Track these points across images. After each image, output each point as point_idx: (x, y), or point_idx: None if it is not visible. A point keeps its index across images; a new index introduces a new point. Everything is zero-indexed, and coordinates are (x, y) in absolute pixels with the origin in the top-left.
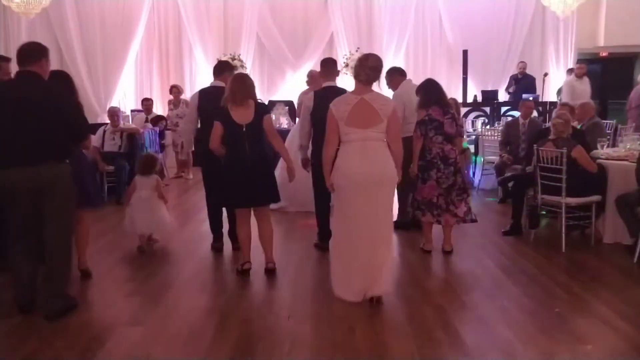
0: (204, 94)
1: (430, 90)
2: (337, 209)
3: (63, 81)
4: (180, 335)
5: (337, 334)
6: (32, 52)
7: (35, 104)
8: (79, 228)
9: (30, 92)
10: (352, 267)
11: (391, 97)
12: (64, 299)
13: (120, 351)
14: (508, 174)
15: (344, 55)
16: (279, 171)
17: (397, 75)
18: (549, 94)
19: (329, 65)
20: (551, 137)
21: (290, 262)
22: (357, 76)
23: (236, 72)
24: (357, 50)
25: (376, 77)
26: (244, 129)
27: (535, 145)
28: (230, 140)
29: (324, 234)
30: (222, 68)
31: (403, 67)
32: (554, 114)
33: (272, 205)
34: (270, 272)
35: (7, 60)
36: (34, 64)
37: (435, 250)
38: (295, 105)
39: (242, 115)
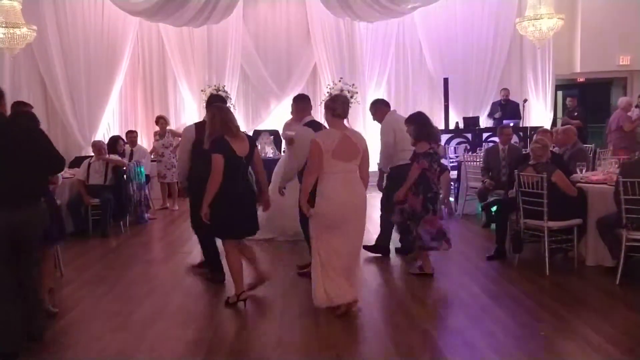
0: (200, 127)
1: (429, 124)
2: (321, 231)
3: (30, 120)
4: None
5: None
6: None
7: (17, 142)
8: (44, 266)
9: (8, 130)
10: (342, 273)
11: (381, 127)
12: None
13: None
14: (491, 199)
15: (327, 84)
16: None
17: (382, 107)
18: (530, 120)
19: (306, 100)
20: (531, 162)
21: (277, 291)
22: (334, 111)
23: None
24: (340, 80)
25: (348, 111)
26: (243, 161)
27: (516, 170)
28: (229, 173)
29: None
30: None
31: (385, 96)
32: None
33: (262, 236)
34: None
35: None
36: None
37: (418, 275)
38: (281, 135)
39: (241, 147)
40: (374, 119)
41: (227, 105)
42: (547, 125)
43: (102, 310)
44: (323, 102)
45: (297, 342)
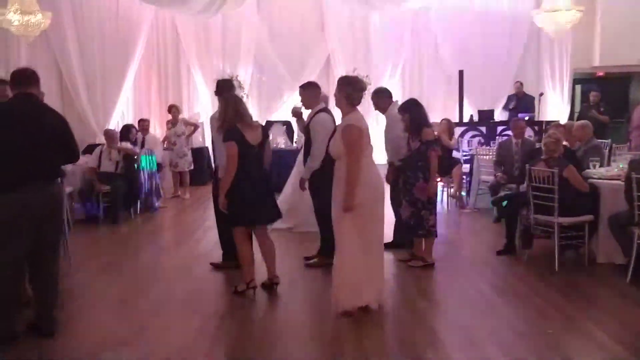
0: None
1: (424, 110)
2: (355, 224)
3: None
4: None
5: (326, 356)
6: (31, 76)
7: (40, 124)
8: None
9: (37, 113)
10: (369, 276)
11: (388, 119)
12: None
13: None
14: (501, 194)
15: (340, 75)
16: (289, 193)
17: (386, 97)
18: (546, 114)
19: (315, 87)
20: (543, 156)
21: (284, 283)
22: (352, 100)
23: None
24: (354, 71)
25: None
26: (256, 149)
27: (527, 164)
28: (244, 161)
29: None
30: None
31: (399, 88)
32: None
33: (280, 225)
34: (276, 285)
35: (5, 82)
36: (31, 86)
37: (423, 267)
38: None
39: (254, 136)
40: (376, 108)
41: (240, 93)
42: (564, 119)
43: (108, 298)
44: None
45: (300, 335)
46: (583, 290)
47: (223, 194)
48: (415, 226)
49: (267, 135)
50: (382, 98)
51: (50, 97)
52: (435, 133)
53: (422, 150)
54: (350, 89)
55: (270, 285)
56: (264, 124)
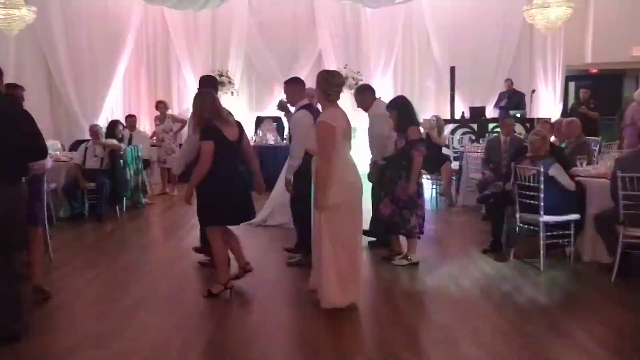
0: None
1: (412, 108)
2: (336, 223)
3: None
4: None
5: (303, 356)
6: None
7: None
8: (33, 248)
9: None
10: (352, 275)
11: (372, 117)
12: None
13: None
14: (487, 192)
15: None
16: (280, 189)
17: (370, 94)
18: (539, 111)
19: (300, 83)
20: (528, 154)
21: (265, 280)
22: (327, 96)
23: (222, 89)
24: (345, 67)
25: (339, 96)
26: (235, 145)
27: (512, 162)
28: (224, 158)
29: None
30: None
31: (391, 84)
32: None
33: (273, 222)
34: (249, 272)
35: None
36: None
37: (408, 266)
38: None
39: (231, 132)
40: (359, 106)
41: (230, 89)
42: (556, 116)
43: (88, 295)
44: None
45: (277, 334)
46: (567, 290)
47: (190, 189)
48: (397, 225)
49: (243, 130)
50: (364, 95)
51: (38, 92)
52: (424, 130)
53: (407, 149)
54: (326, 85)
55: (244, 274)
56: (254, 120)
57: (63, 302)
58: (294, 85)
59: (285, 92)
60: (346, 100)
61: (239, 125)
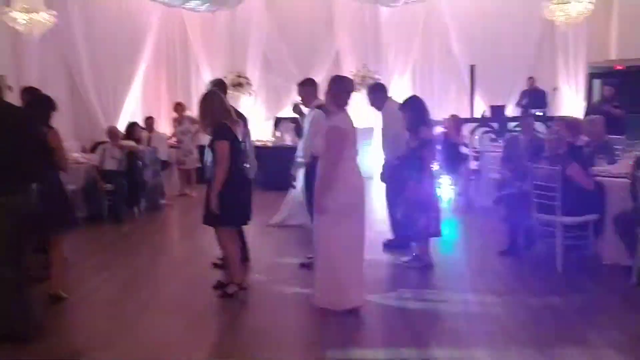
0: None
1: (425, 108)
2: (335, 226)
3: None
4: None
5: (311, 358)
6: None
7: (14, 129)
8: (53, 252)
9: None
10: (352, 278)
11: (386, 116)
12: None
13: None
14: (503, 192)
15: (350, 71)
16: (300, 189)
17: (383, 94)
18: (561, 109)
19: (314, 84)
20: (545, 154)
21: (276, 280)
22: (338, 101)
23: (240, 90)
24: (363, 67)
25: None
26: (242, 145)
27: (529, 162)
28: (235, 158)
29: None
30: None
31: (410, 83)
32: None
33: (293, 222)
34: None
35: None
36: None
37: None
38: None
39: (239, 133)
40: (372, 105)
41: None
42: (579, 115)
43: (100, 296)
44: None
45: (283, 338)
46: (584, 293)
47: (216, 195)
48: (407, 227)
49: (248, 128)
50: (377, 95)
51: (61, 95)
52: (443, 129)
53: (419, 149)
54: (336, 89)
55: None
56: (272, 121)
57: (75, 303)
58: (308, 86)
59: (300, 93)
60: (361, 100)
61: (244, 121)
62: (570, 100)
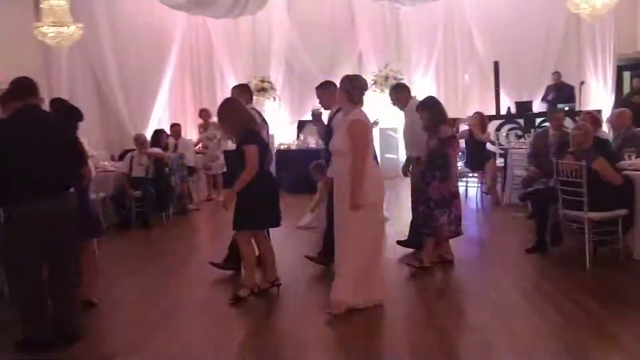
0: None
1: (442, 106)
2: (361, 223)
3: (67, 112)
4: None
5: (334, 358)
6: (32, 86)
7: (47, 137)
8: (83, 259)
9: (44, 123)
10: (372, 275)
11: (411, 113)
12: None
13: None
14: (529, 189)
15: (372, 72)
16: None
17: (406, 93)
18: (589, 103)
19: (333, 86)
20: (571, 149)
21: (297, 284)
22: (350, 96)
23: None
24: (385, 67)
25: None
26: (267, 148)
27: (554, 158)
28: (263, 162)
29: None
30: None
31: (433, 82)
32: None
33: (314, 225)
34: (278, 287)
35: None
36: (34, 97)
37: (443, 266)
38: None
39: (264, 135)
40: (395, 104)
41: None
42: (608, 108)
43: (127, 302)
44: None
45: (307, 337)
46: (615, 290)
47: (232, 195)
48: (423, 225)
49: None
50: (401, 93)
51: (89, 104)
52: (467, 127)
53: (440, 148)
54: (350, 86)
55: (271, 287)
56: (296, 124)
57: (103, 309)
58: (326, 89)
59: (319, 96)
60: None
61: (267, 126)
62: (599, 94)
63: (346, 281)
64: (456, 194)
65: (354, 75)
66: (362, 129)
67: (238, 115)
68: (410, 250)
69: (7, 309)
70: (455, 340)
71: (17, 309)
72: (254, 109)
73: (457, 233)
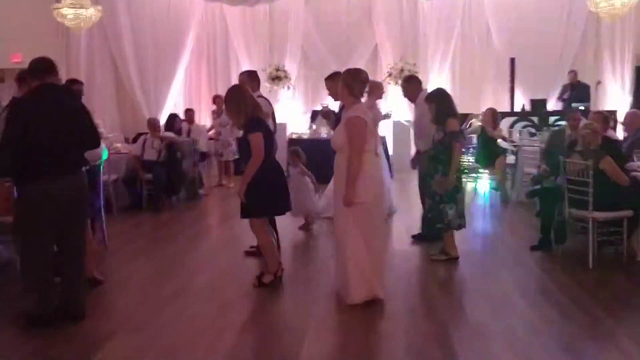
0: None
1: (451, 100)
2: (362, 218)
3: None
4: (175, 345)
5: (329, 349)
6: (51, 65)
7: (65, 116)
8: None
9: (62, 102)
10: (375, 270)
11: (421, 106)
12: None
13: (112, 358)
14: (537, 187)
15: (387, 64)
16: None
17: (418, 85)
18: (605, 103)
19: None
20: (578, 148)
21: (301, 272)
22: (351, 90)
23: (278, 83)
24: (400, 59)
25: (364, 91)
26: (273, 137)
27: (561, 156)
28: (270, 150)
29: None
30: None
31: (449, 76)
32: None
33: (330, 214)
34: (281, 273)
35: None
36: (52, 76)
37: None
38: (329, 125)
39: (270, 125)
40: (406, 96)
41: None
42: (625, 109)
43: (133, 283)
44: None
45: (305, 326)
46: (615, 291)
47: (245, 185)
48: (434, 219)
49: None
50: (412, 86)
51: (106, 88)
52: (479, 123)
53: (445, 141)
54: (351, 79)
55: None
56: (309, 114)
57: (108, 289)
58: (336, 79)
59: (328, 87)
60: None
61: (272, 112)
62: (615, 95)
63: (355, 284)
64: (458, 188)
65: (355, 69)
66: (359, 125)
67: (244, 101)
68: (426, 242)
69: (18, 282)
70: (452, 334)
71: (25, 282)
72: (261, 96)
73: (460, 226)
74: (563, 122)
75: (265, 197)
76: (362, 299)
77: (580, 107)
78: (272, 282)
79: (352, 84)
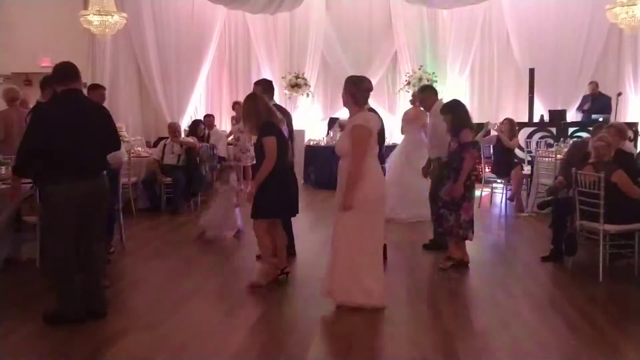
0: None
1: (467, 111)
2: (356, 222)
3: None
4: (185, 344)
5: (334, 351)
6: (73, 71)
7: (87, 120)
8: None
9: (85, 108)
10: (371, 276)
11: (435, 115)
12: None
13: (124, 354)
14: (548, 198)
15: (406, 73)
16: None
17: (433, 95)
18: (626, 115)
19: None
20: (591, 160)
21: (311, 274)
22: (356, 99)
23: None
24: (419, 68)
25: (367, 100)
26: (288, 142)
27: (573, 168)
28: (282, 154)
29: None
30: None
31: (468, 85)
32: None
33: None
34: (287, 274)
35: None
36: (75, 81)
37: (454, 267)
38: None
39: (285, 131)
40: (422, 105)
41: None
42: None
43: (146, 284)
44: (401, 90)
45: (312, 328)
46: (624, 304)
47: (256, 187)
48: (438, 223)
49: (292, 126)
50: (427, 95)
51: (130, 92)
52: (497, 133)
53: (459, 151)
54: (355, 89)
55: (281, 274)
56: (327, 120)
57: (122, 289)
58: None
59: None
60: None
61: (288, 119)
62: (636, 107)
63: (345, 284)
64: (466, 198)
65: (359, 77)
66: (361, 134)
67: (258, 108)
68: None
69: (39, 279)
70: (456, 343)
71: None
72: (275, 104)
73: (465, 237)
74: (583, 134)
75: (274, 199)
76: (348, 303)
77: (599, 119)
78: (269, 283)
79: (356, 93)
